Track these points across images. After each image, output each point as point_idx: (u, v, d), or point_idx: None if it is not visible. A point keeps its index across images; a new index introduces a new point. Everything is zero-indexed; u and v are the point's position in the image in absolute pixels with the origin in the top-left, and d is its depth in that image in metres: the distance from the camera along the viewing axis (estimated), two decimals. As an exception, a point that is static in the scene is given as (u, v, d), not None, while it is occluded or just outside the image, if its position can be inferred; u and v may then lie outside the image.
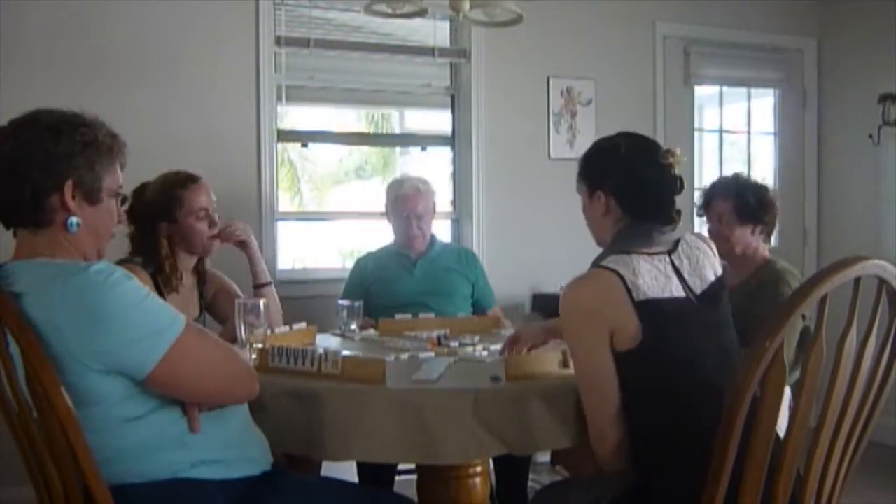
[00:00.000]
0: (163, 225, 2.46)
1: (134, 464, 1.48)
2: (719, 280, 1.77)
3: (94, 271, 1.40)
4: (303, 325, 2.47)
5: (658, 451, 1.63)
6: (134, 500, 1.47)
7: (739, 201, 2.66)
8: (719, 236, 2.65)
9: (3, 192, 1.47)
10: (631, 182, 1.79)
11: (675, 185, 1.78)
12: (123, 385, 1.43)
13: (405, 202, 3.21)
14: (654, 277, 1.66)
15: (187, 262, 2.53)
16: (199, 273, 2.60)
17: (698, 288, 1.71)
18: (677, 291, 1.68)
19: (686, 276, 1.71)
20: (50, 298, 1.38)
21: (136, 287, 1.43)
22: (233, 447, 1.60)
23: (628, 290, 1.63)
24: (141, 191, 2.50)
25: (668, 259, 1.72)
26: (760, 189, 2.72)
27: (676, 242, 1.77)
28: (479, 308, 3.22)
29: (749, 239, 2.67)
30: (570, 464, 2.35)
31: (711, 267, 1.78)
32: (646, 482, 1.64)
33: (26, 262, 1.47)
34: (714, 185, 2.82)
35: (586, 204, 1.88)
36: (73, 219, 1.48)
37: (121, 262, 2.36)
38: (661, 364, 1.61)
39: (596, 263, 1.74)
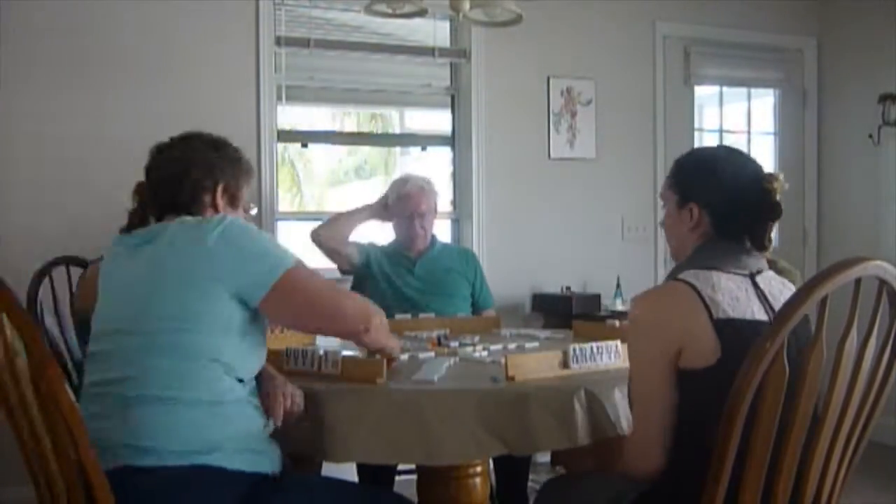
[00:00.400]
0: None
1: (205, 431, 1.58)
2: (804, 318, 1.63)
3: (230, 218, 1.69)
4: None
5: (689, 473, 1.51)
6: (149, 484, 1.52)
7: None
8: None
9: (172, 185, 1.78)
10: (730, 201, 1.67)
11: (774, 211, 1.68)
12: (241, 318, 1.63)
13: (409, 201, 3.19)
14: (734, 297, 1.56)
15: None
16: None
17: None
18: (759, 314, 1.57)
19: (770, 299, 1.61)
20: (200, 231, 1.63)
21: (253, 226, 1.71)
22: (259, 441, 1.67)
23: (706, 306, 1.53)
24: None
25: (750, 281, 1.62)
26: None
27: (760, 269, 1.66)
28: (476, 309, 3.22)
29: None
30: (570, 464, 2.34)
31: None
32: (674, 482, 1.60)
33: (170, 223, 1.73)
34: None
35: (673, 214, 1.75)
36: (223, 214, 1.77)
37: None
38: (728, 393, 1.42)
39: (672, 276, 1.64)
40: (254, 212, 2.02)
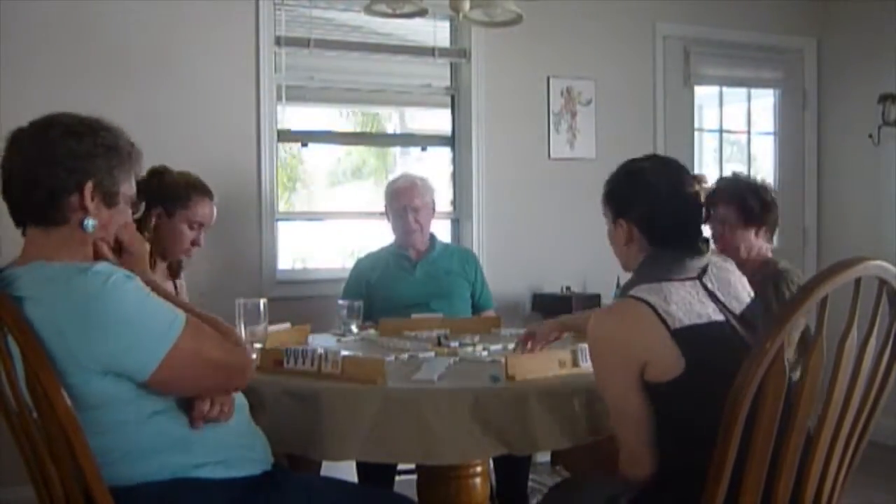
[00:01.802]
0: (155, 212, 2.44)
1: (137, 465, 1.48)
2: (754, 300, 1.70)
3: (93, 272, 1.40)
4: (286, 325, 2.49)
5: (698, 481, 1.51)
6: (135, 500, 1.48)
7: (743, 205, 2.64)
8: (724, 241, 2.65)
9: (24, 189, 1.48)
10: (655, 214, 1.69)
11: (701, 213, 1.71)
12: (126, 388, 1.43)
13: (401, 195, 3.20)
14: (688, 304, 1.59)
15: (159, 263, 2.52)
16: (171, 269, 2.59)
17: (736, 309, 1.65)
18: (715, 315, 1.61)
19: (721, 298, 1.64)
20: (51, 301, 1.38)
21: (135, 288, 1.43)
22: (234, 448, 1.61)
23: (662, 320, 1.55)
24: (156, 172, 2.49)
25: (699, 284, 1.65)
26: (762, 190, 2.71)
27: (705, 268, 1.69)
28: (476, 309, 3.22)
29: (752, 241, 2.65)
30: (570, 464, 2.35)
31: (743, 287, 1.72)
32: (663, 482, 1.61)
33: (27, 267, 1.48)
34: (716, 190, 2.79)
35: (610, 230, 1.79)
36: (90, 220, 1.49)
37: None
38: (708, 393, 1.46)
39: (623, 293, 1.67)
40: (139, 213, 1.70)
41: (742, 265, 2.66)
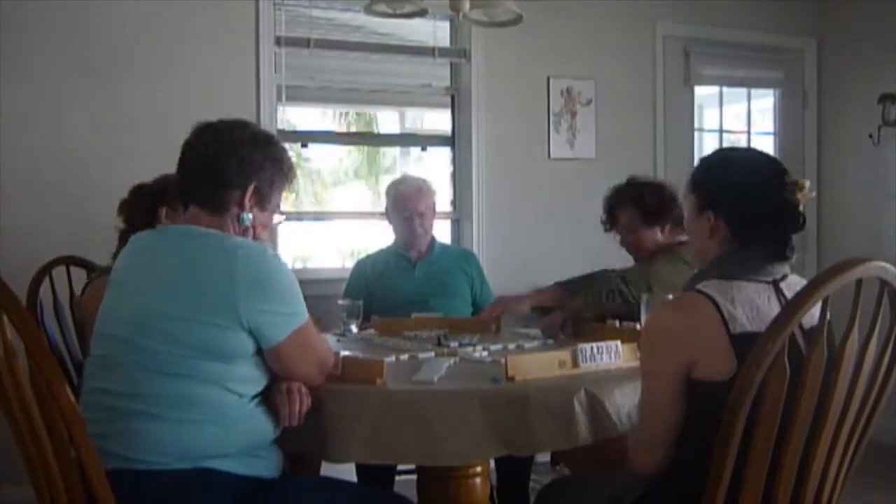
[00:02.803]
0: (164, 210, 2.44)
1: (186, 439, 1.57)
2: (829, 323, 1.55)
3: (253, 244, 1.66)
4: None
5: (691, 475, 1.50)
6: (149, 487, 1.52)
7: (640, 208, 2.71)
8: (631, 244, 2.75)
9: (200, 175, 1.71)
10: (747, 210, 1.60)
11: (796, 221, 1.59)
12: (250, 351, 1.62)
13: (406, 201, 3.19)
14: (755, 307, 1.51)
15: None
16: None
17: (807, 324, 1.51)
18: None
19: None
20: (228, 258, 1.58)
21: (290, 271, 1.68)
22: (261, 447, 1.67)
23: (724, 321, 1.48)
24: (137, 190, 2.51)
25: (772, 287, 1.56)
26: (656, 188, 2.75)
27: (785, 276, 1.60)
28: (478, 309, 3.22)
29: (658, 237, 2.72)
30: (570, 463, 2.35)
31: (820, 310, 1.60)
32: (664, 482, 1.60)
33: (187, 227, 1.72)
34: (610, 198, 2.84)
35: (692, 218, 1.68)
36: (248, 215, 1.72)
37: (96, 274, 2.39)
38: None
39: (691, 286, 1.59)
40: (282, 218, 1.92)
41: (653, 255, 2.69)
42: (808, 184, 1.58)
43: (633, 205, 2.72)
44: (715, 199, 1.63)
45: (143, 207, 2.46)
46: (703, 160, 1.74)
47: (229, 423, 1.59)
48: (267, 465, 1.69)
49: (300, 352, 1.69)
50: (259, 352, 1.65)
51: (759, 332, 1.45)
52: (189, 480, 1.54)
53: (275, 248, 3.70)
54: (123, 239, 2.51)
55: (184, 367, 1.55)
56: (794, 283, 1.59)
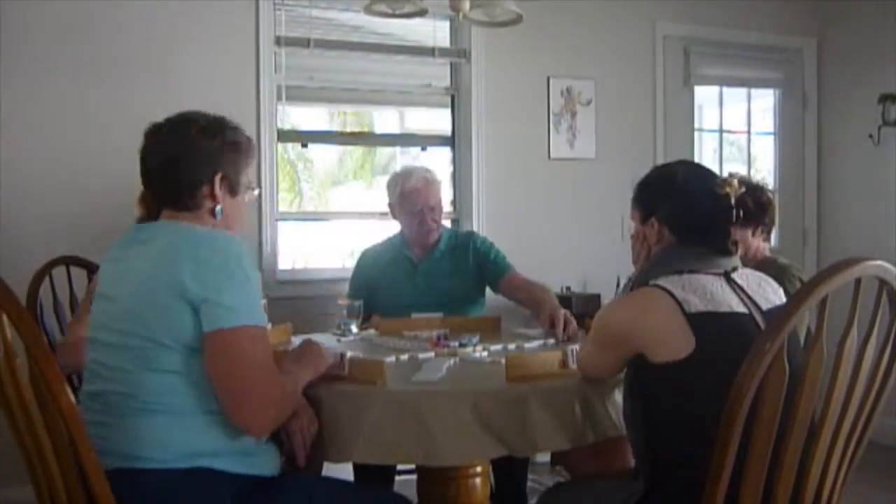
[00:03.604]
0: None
1: (177, 437, 1.56)
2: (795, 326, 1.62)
3: (240, 240, 1.65)
4: (288, 325, 2.50)
5: (689, 473, 1.53)
6: (148, 485, 1.53)
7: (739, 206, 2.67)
8: None
9: (166, 179, 1.71)
10: (684, 210, 1.73)
11: (731, 214, 1.70)
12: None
13: (416, 195, 3.05)
14: (708, 293, 1.59)
15: None
16: None
17: (764, 305, 1.63)
18: (738, 307, 1.60)
19: (749, 292, 1.64)
20: (194, 240, 1.60)
21: (252, 265, 1.64)
22: (259, 445, 1.67)
23: (678, 303, 1.56)
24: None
25: (724, 278, 1.65)
26: (757, 190, 2.73)
27: (735, 268, 1.70)
28: (494, 281, 3.10)
29: (750, 241, 2.68)
30: (569, 464, 2.35)
31: (776, 293, 1.70)
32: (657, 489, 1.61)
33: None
34: None
35: (638, 232, 1.82)
36: (219, 207, 1.73)
37: None
38: (717, 379, 1.44)
39: (642, 282, 1.68)
40: (255, 192, 1.90)
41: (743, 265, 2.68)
42: (735, 181, 1.71)
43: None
44: (653, 206, 1.76)
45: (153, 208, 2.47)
46: (641, 179, 1.86)
47: (219, 417, 1.59)
48: (265, 464, 1.69)
49: (224, 358, 1.55)
50: None
51: (716, 311, 1.56)
52: (188, 479, 1.55)
53: (274, 245, 3.71)
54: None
55: (166, 362, 1.56)
56: (746, 274, 1.69)
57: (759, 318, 1.60)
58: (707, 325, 1.54)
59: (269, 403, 1.60)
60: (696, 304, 1.56)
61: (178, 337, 1.56)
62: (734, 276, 1.67)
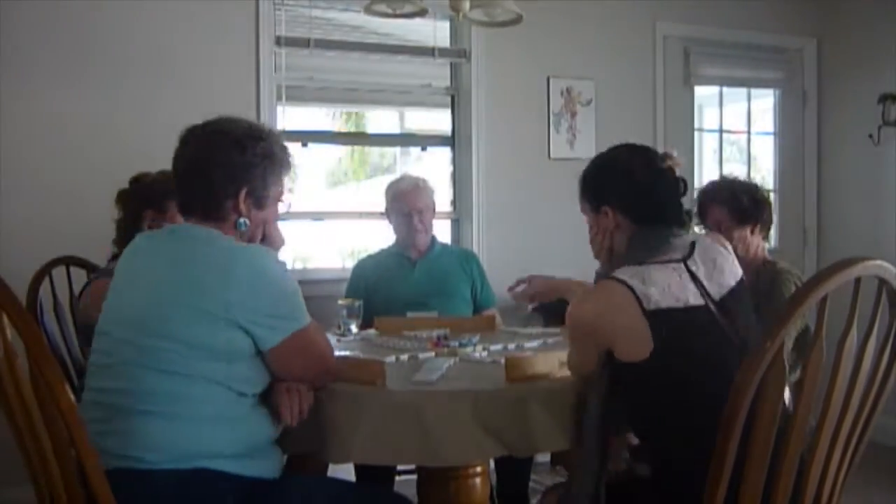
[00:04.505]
0: (148, 213, 2.45)
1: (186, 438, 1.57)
2: (740, 283, 1.71)
3: (267, 251, 1.69)
4: None
5: (667, 467, 1.60)
6: (152, 485, 1.53)
7: (734, 205, 2.69)
8: None
9: (190, 187, 1.71)
10: (632, 191, 1.76)
11: (678, 186, 1.77)
12: (248, 352, 1.62)
13: (404, 198, 3.19)
14: (668, 286, 1.61)
15: None
16: None
17: (717, 294, 1.66)
18: (695, 300, 1.62)
19: (704, 282, 1.66)
20: (227, 256, 1.60)
21: (285, 272, 1.67)
22: (260, 447, 1.67)
23: (638, 300, 1.57)
24: (137, 178, 2.52)
25: (683, 266, 1.67)
26: (752, 188, 2.75)
27: (692, 247, 1.72)
28: (479, 309, 3.22)
29: (749, 239, 2.69)
30: (570, 464, 2.35)
31: (731, 271, 1.72)
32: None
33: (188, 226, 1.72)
34: (706, 192, 2.83)
35: (593, 220, 1.86)
36: (244, 220, 1.72)
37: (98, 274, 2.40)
38: (672, 378, 1.56)
39: (605, 276, 1.70)
40: (287, 205, 1.88)
41: (742, 265, 2.68)
42: (675, 152, 1.77)
43: (728, 202, 2.69)
44: (602, 194, 1.80)
45: (134, 205, 2.47)
46: (583, 171, 1.91)
47: (229, 422, 1.60)
48: (267, 466, 1.69)
49: (299, 356, 1.69)
50: (259, 352, 1.65)
51: (673, 307, 1.58)
52: (189, 481, 1.55)
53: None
54: (121, 229, 2.52)
55: (183, 365, 1.56)
56: (700, 259, 1.69)
57: (714, 308, 1.63)
58: (664, 323, 1.56)
59: (334, 361, 1.81)
60: (657, 301, 1.58)
61: (206, 345, 1.56)
62: (690, 262, 1.68)
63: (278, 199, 1.81)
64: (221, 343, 1.58)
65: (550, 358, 1.94)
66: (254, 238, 1.76)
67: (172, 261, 1.62)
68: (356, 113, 4.51)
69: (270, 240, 1.81)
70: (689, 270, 1.66)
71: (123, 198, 2.53)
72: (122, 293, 1.67)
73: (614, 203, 1.77)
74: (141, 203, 2.47)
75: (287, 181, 1.82)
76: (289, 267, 3.82)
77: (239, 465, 1.61)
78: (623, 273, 1.63)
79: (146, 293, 1.61)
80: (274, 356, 1.65)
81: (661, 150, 1.82)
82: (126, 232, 2.46)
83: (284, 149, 1.80)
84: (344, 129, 4.51)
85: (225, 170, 1.69)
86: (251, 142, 1.72)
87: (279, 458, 1.76)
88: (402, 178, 3.33)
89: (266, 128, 1.80)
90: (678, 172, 1.77)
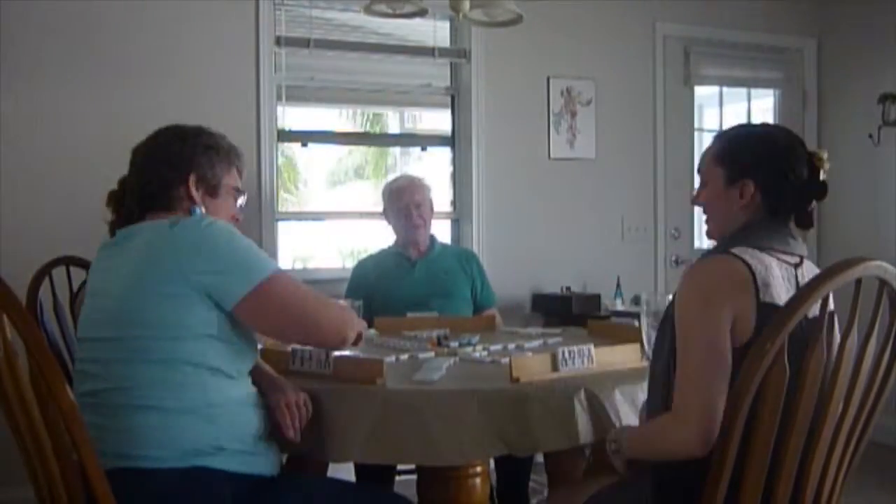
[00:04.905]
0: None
1: (180, 434, 1.56)
2: (831, 314, 1.53)
3: (198, 216, 1.70)
4: None
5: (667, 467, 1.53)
6: (149, 484, 1.53)
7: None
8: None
9: (142, 184, 1.75)
10: (785, 179, 1.61)
11: (822, 189, 1.66)
12: (221, 324, 1.60)
13: (401, 193, 3.20)
14: (780, 285, 1.51)
15: None
16: None
17: (811, 313, 1.49)
18: None
19: None
20: (170, 229, 1.61)
21: (230, 229, 1.64)
22: (258, 443, 1.67)
23: (756, 287, 1.47)
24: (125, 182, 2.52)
25: (794, 271, 1.58)
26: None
27: (802, 258, 1.63)
28: (479, 309, 3.21)
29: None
30: (554, 472, 2.34)
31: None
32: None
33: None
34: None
35: (718, 191, 1.66)
36: (198, 207, 1.74)
37: None
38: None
39: (721, 250, 1.57)
40: (243, 199, 1.90)
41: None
42: (825, 155, 1.66)
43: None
44: (750, 169, 1.62)
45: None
46: (726, 134, 1.72)
47: (217, 411, 1.59)
48: (265, 463, 1.69)
49: (270, 308, 1.62)
50: (235, 325, 1.63)
51: (778, 305, 1.46)
52: (188, 479, 1.54)
53: (274, 246, 3.71)
54: (113, 231, 2.51)
55: (161, 350, 1.56)
56: (808, 271, 1.60)
57: (804, 324, 1.48)
58: (767, 320, 1.42)
59: (338, 318, 1.75)
60: (771, 294, 1.48)
61: (179, 324, 1.57)
62: (800, 270, 1.59)
63: (233, 191, 1.84)
64: (193, 320, 1.57)
65: (550, 358, 1.94)
66: None
67: (132, 254, 1.63)
68: (374, 113, 4.51)
69: None
70: (797, 279, 1.58)
71: (113, 199, 2.51)
72: (95, 297, 1.69)
73: (760, 181, 1.61)
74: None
75: (237, 178, 1.85)
76: (289, 267, 3.87)
77: (237, 463, 1.61)
78: (744, 253, 1.52)
79: (116, 291, 1.62)
80: (243, 313, 1.60)
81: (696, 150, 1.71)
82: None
83: (232, 145, 1.85)
84: (355, 130, 4.50)
85: (167, 157, 1.74)
86: (192, 133, 1.80)
87: (277, 454, 1.75)
88: (398, 177, 3.37)
89: (215, 130, 1.85)
90: (822, 176, 1.66)
